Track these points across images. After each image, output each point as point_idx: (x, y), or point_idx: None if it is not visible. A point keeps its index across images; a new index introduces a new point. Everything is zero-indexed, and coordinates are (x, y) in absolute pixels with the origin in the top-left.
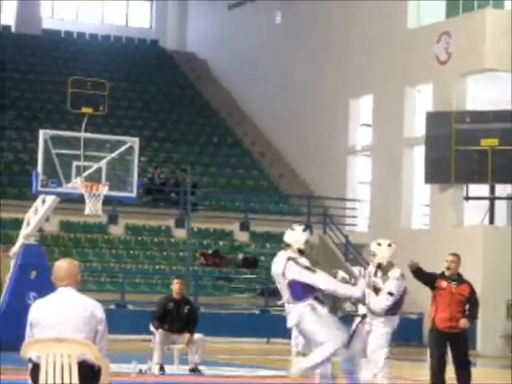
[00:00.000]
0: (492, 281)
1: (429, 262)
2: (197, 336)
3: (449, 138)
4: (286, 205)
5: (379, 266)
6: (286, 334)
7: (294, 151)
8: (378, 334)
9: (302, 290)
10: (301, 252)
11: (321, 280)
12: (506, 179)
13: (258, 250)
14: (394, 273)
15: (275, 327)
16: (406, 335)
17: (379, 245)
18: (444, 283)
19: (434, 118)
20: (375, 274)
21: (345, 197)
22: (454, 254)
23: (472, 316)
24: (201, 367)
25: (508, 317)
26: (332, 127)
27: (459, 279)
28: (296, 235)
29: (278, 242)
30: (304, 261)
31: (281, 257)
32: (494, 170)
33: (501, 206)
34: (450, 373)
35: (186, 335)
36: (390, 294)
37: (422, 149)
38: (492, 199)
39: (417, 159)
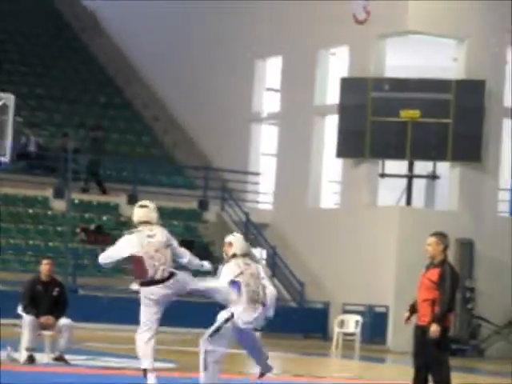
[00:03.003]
0: (407, 267)
1: (339, 244)
2: (62, 321)
3: (365, 108)
4: (180, 177)
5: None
6: (173, 322)
7: (191, 117)
8: None
9: None
10: None
11: None
12: (426, 156)
13: None
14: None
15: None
16: (308, 327)
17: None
18: (423, 271)
19: (348, 85)
20: None
21: (246, 170)
22: (431, 235)
23: (437, 315)
24: (71, 356)
25: None
26: (235, 91)
27: (436, 263)
28: None
29: (169, 218)
30: None
31: None
32: (413, 145)
33: (419, 186)
34: None
35: (50, 319)
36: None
37: (335, 119)
38: (410, 177)
39: (328, 130)
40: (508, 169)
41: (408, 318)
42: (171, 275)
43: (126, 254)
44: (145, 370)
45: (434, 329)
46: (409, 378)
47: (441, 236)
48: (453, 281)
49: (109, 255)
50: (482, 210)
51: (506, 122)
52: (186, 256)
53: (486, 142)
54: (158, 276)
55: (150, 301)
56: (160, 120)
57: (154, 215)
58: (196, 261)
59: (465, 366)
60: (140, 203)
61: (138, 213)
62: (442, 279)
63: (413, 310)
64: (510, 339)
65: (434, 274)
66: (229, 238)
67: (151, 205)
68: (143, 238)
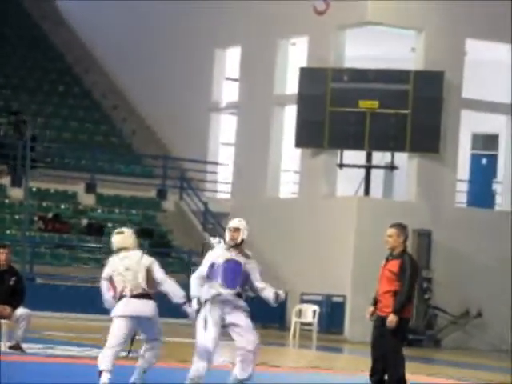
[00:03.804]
0: (365, 257)
1: (297, 234)
2: (20, 311)
3: (323, 98)
4: (138, 165)
5: None
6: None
7: (150, 105)
8: None
9: None
10: None
11: None
12: (384, 146)
13: (106, 215)
14: None
15: None
16: (266, 316)
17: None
18: (383, 263)
19: (308, 75)
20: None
21: (205, 159)
22: (391, 227)
23: (396, 306)
24: (28, 345)
25: None
26: (194, 80)
27: (396, 255)
28: None
29: (127, 207)
30: None
31: None
32: (371, 135)
33: (377, 176)
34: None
35: (6, 309)
36: None
37: (294, 109)
38: (368, 168)
39: (287, 120)
40: (466, 160)
41: (373, 313)
42: (145, 296)
43: (105, 280)
44: (101, 372)
45: (391, 319)
46: (366, 368)
47: (401, 227)
48: (413, 271)
49: (104, 297)
50: (439, 200)
51: (464, 113)
52: (164, 283)
53: (444, 133)
54: (127, 292)
55: (122, 314)
56: (119, 109)
57: (130, 241)
58: (178, 291)
59: (421, 356)
60: (117, 230)
61: (115, 240)
62: (402, 270)
63: (376, 303)
64: (466, 329)
65: (395, 265)
66: (235, 224)
67: (127, 231)
68: (116, 259)
